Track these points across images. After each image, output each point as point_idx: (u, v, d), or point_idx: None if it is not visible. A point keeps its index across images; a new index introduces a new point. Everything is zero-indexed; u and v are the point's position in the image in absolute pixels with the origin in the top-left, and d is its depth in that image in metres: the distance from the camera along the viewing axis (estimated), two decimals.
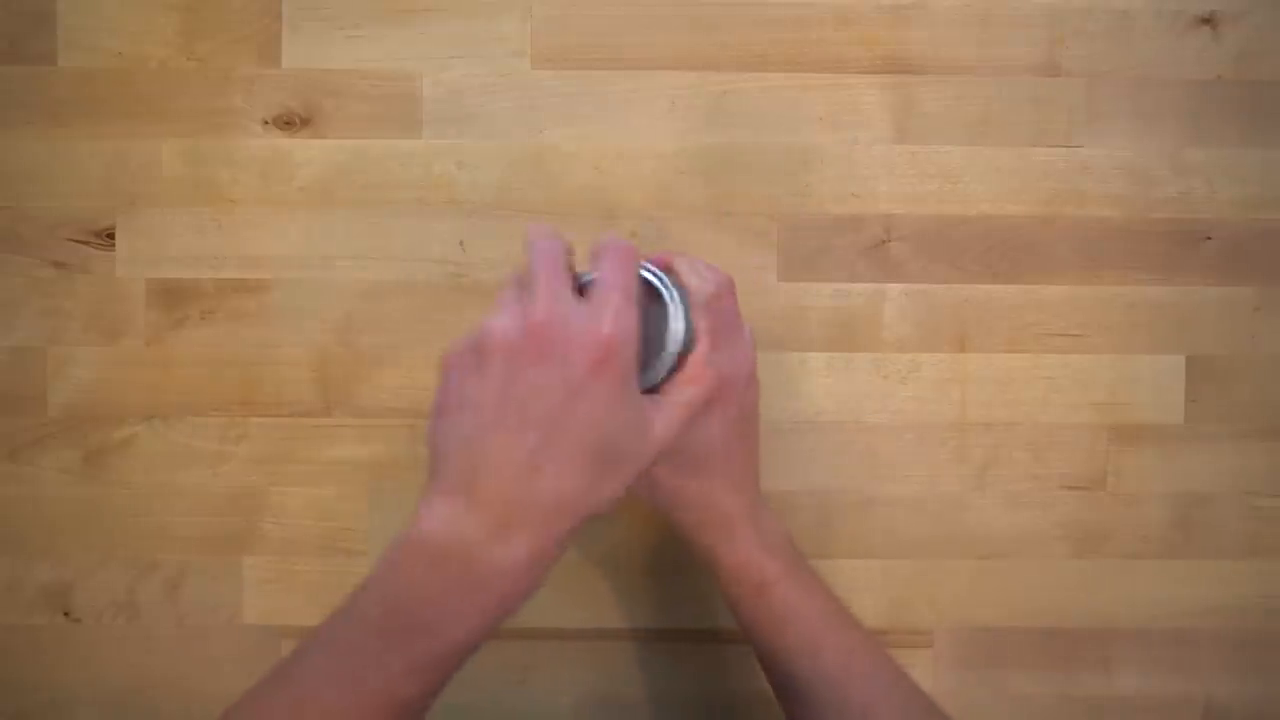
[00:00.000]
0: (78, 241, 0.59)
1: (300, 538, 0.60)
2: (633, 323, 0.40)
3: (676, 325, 0.46)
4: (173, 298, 0.59)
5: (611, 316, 0.39)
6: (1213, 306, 0.60)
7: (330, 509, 0.60)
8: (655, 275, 0.47)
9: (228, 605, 0.60)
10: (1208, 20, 0.60)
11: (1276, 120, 0.60)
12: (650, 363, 0.45)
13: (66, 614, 0.60)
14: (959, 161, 0.60)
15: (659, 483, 0.49)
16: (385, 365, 0.60)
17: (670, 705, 0.61)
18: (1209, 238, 0.60)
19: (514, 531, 0.38)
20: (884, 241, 0.60)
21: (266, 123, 0.59)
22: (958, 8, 0.60)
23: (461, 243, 0.60)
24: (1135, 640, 0.61)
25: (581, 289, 0.43)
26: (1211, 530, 0.61)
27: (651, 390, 0.46)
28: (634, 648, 0.61)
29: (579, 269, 0.46)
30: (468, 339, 0.40)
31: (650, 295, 0.47)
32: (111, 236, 0.59)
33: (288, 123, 0.59)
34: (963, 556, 0.61)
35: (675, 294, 0.47)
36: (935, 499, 0.61)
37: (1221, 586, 0.61)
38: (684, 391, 0.44)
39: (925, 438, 0.60)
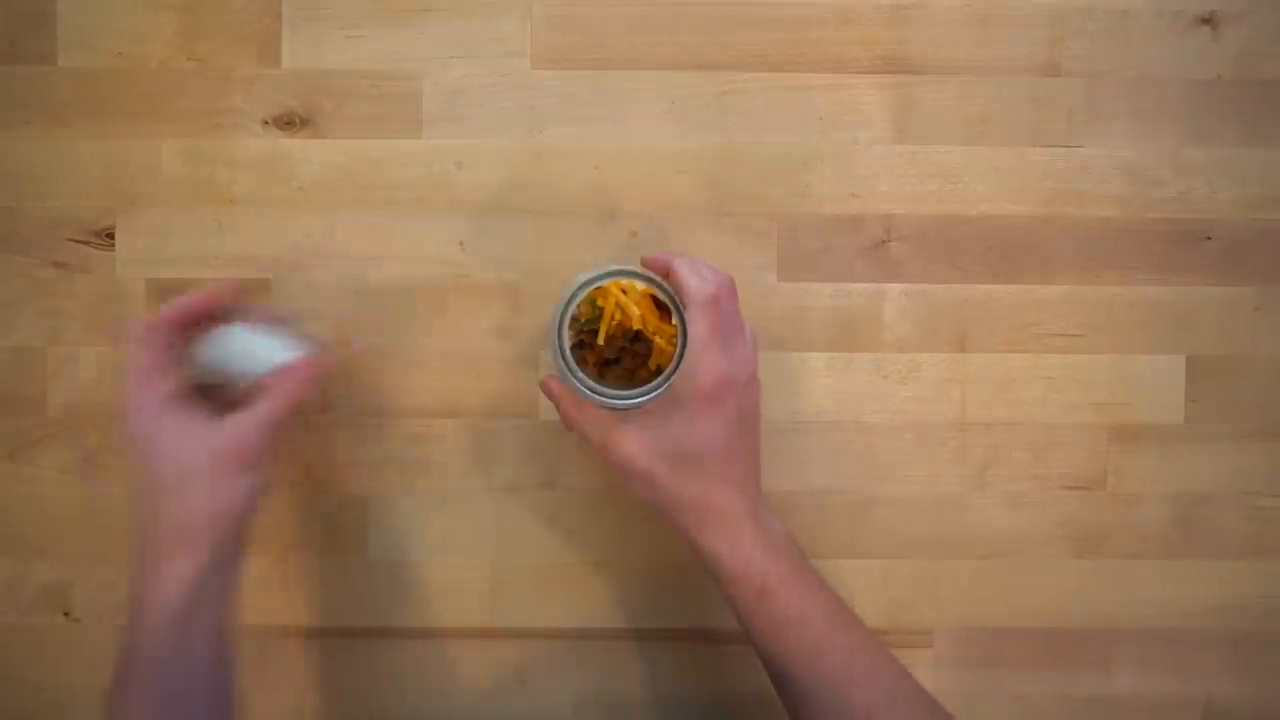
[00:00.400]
0: (78, 241, 0.59)
1: (300, 538, 0.60)
2: (136, 392, 0.50)
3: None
4: (173, 298, 0.59)
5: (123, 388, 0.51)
6: (1213, 306, 0.60)
7: (330, 509, 0.60)
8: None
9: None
10: (1208, 20, 0.60)
11: (1277, 120, 0.60)
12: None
13: (66, 614, 0.60)
14: (959, 161, 0.60)
15: (658, 483, 0.49)
16: (385, 365, 0.60)
17: (670, 705, 0.61)
18: (1209, 238, 0.60)
19: (149, 553, 0.49)
20: (884, 241, 0.60)
21: (266, 123, 0.59)
22: (958, 8, 0.60)
23: (461, 243, 0.60)
24: (1135, 640, 0.61)
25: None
26: (1211, 530, 0.61)
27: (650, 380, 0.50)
28: (634, 648, 0.61)
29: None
30: None
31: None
32: (111, 236, 0.59)
33: (288, 123, 0.59)
34: (963, 556, 0.61)
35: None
36: (935, 499, 0.61)
37: (1221, 586, 0.61)
38: (270, 400, 0.51)
39: (925, 438, 0.60)
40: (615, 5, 0.60)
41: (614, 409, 0.50)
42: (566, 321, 0.50)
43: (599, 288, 0.51)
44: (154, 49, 0.59)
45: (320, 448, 0.60)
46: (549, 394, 0.53)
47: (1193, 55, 0.60)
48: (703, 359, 0.48)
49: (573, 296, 0.50)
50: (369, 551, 0.60)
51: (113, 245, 0.59)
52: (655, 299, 0.53)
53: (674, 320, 0.50)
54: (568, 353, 0.50)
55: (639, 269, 0.51)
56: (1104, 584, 0.61)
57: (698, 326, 0.49)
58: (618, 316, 0.52)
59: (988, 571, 0.61)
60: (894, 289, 0.60)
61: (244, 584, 0.60)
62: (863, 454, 0.60)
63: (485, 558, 0.60)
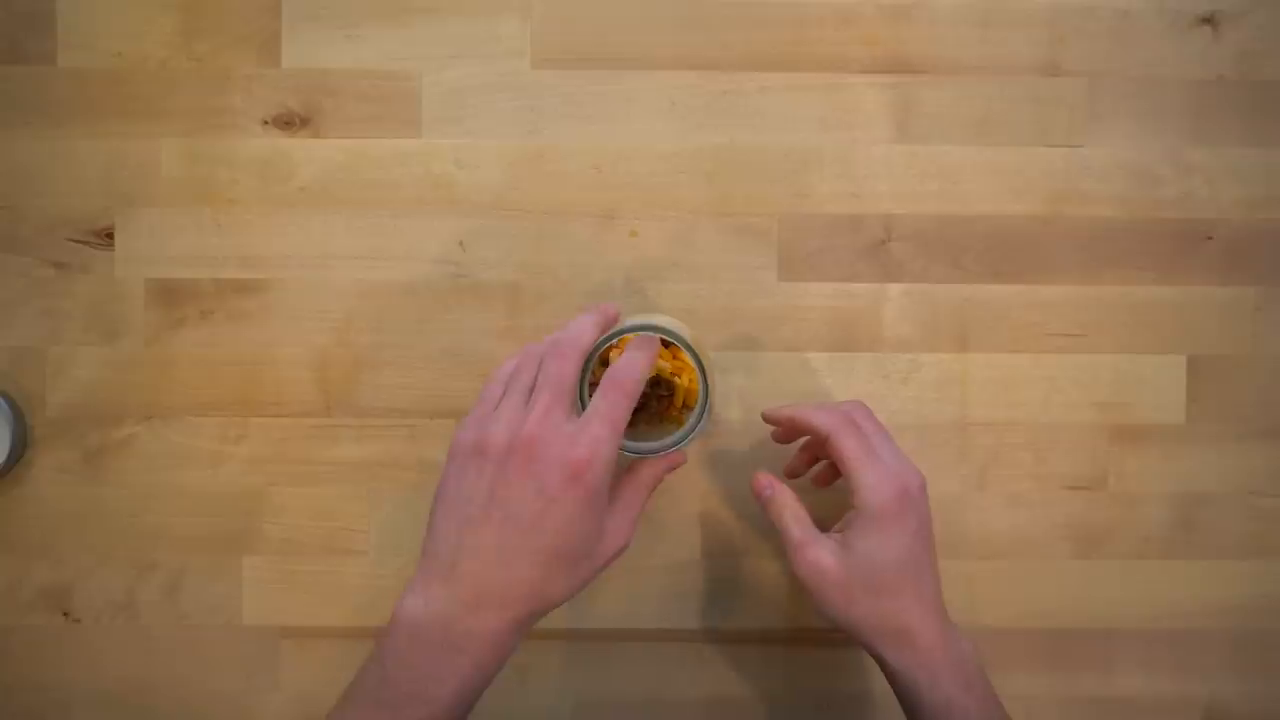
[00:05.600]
0: (77, 241, 0.59)
1: (300, 538, 0.60)
2: (606, 450, 0.45)
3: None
4: (172, 297, 0.59)
5: (589, 444, 0.45)
6: (1214, 306, 0.60)
7: (330, 509, 0.60)
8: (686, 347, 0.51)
9: (227, 605, 0.60)
10: (1209, 20, 0.60)
11: (1278, 120, 0.60)
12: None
13: (66, 614, 0.60)
14: (959, 161, 0.60)
15: (855, 601, 0.49)
16: (385, 365, 0.60)
17: (670, 705, 0.60)
18: (1210, 237, 0.60)
19: (484, 609, 0.44)
20: (884, 241, 0.60)
21: (266, 122, 0.59)
22: (958, 7, 0.60)
23: (461, 243, 0.60)
24: (1137, 640, 0.61)
25: (605, 360, 0.51)
26: (1213, 530, 0.60)
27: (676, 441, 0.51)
28: (634, 648, 0.61)
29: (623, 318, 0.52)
30: (473, 433, 0.46)
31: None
32: (111, 236, 0.59)
33: (287, 122, 0.59)
34: (963, 557, 0.60)
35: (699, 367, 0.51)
36: (936, 499, 0.60)
37: (1223, 586, 0.61)
38: (635, 496, 0.49)
39: (926, 438, 0.60)
40: (615, 5, 0.60)
41: (657, 454, 0.51)
42: (586, 388, 0.50)
43: (610, 347, 0.52)
44: (153, 49, 0.59)
45: (321, 447, 0.60)
46: (765, 498, 0.53)
47: (1194, 55, 0.60)
48: (869, 473, 0.49)
49: (586, 367, 0.49)
50: (369, 551, 0.60)
51: (112, 245, 0.59)
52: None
53: (686, 355, 0.51)
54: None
55: (641, 323, 0.51)
56: (1105, 584, 0.60)
57: (846, 446, 0.50)
58: None
59: (989, 572, 0.60)
60: (894, 289, 0.60)
61: (243, 584, 0.60)
62: None
63: None
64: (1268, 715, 0.61)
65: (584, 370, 0.49)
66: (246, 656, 0.60)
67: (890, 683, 0.50)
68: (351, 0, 0.59)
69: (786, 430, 0.56)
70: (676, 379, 0.54)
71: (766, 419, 0.55)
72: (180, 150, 0.59)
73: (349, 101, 0.59)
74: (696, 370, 0.51)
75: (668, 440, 0.51)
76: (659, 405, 0.54)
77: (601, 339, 0.51)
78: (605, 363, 0.53)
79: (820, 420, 0.51)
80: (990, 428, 0.60)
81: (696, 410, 0.51)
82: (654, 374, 0.53)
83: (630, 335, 0.52)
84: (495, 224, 0.60)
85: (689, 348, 0.50)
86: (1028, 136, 0.60)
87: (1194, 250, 0.60)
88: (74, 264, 0.59)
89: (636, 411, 0.52)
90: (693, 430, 0.51)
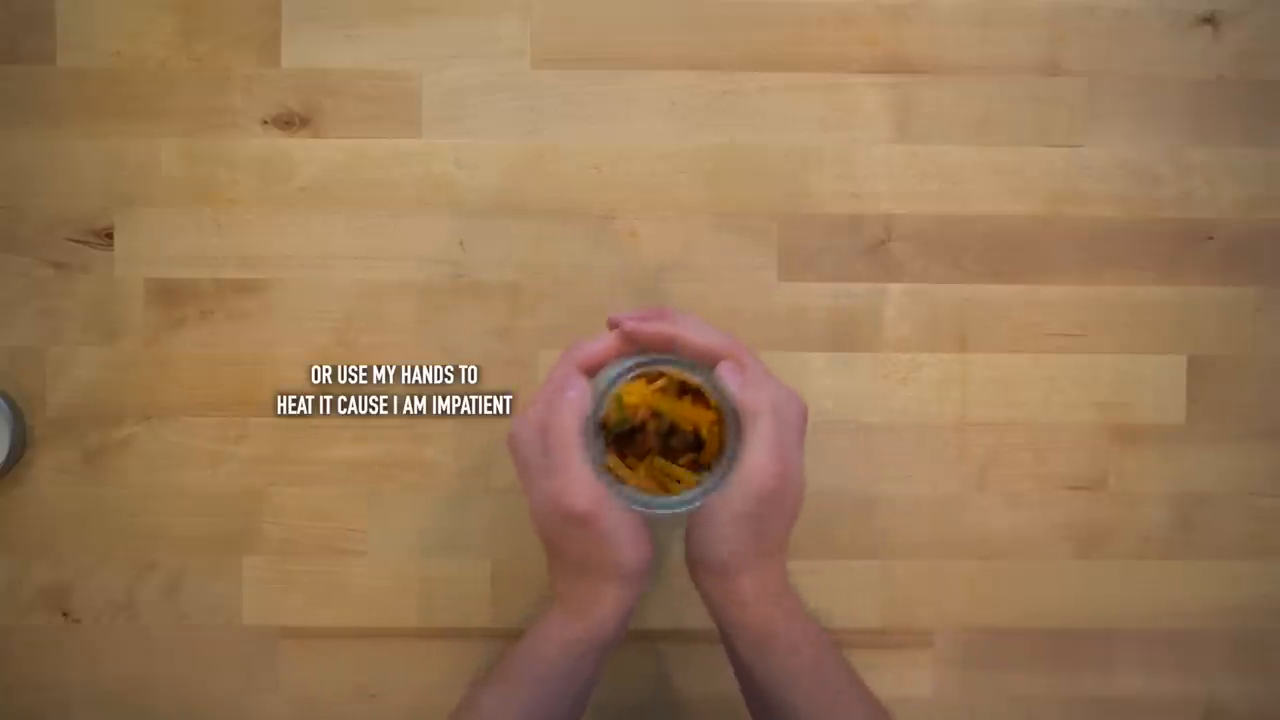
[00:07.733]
0: (76, 241, 0.59)
1: (299, 538, 0.60)
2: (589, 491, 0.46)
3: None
4: (172, 297, 0.59)
5: (570, 486, 0.46)
6: (1214, 306, 0.60)
7: (330, 509, 0.60)
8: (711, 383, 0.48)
9: (227, 605, 0.60)
10: (1209, 20, 0.60)
11: (1278, 120, 0.60)
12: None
13: (65, 614, 0.60)
14: (959, 161, 0.60)
15: (697, 569, 0.49)
16: (385, 365, 0.59)
17: (670, 705, 0.60)
18: (1210, 237, 0.60)
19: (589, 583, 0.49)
20: (884, 241, 0.60)
21: (265, 122, 0.59)
22: (958, 7, 0.60)
23: (461, 242, 0.60)
24: (1136, 640, 0.61)
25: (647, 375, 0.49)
26: (1213, 530, 0.61)
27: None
28: (634, 648, 0.61)
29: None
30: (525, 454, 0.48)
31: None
32: (110, 236, 0.59)
33: (287, 122, 0.59)
34: (963, 557, 0.60)
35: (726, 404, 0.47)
36: (936, 499, 0.60)
37: (1223, 587, 0.61)
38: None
39: (926, 438, 0.60)
40: (615, 5, 0.60)
41: (672, 515, 0.47)
42: (595, 432, 0.47)
43: (624, 386, 0.48)
44: (153, 49, 0.59)
45: (321, 447, 0.60)
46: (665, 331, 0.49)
47: (1194, 55, 0.60)
48: (759, 453, 0.46)
49: (596, 408, 0.47)
50: (368, 551, 0.60)
51: (112, 245, 0.59)
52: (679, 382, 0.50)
53: (713, 405, 0.48)
54: (604, 460, 0.48)
55: (665, 358, 0.48)
56: (1105, 584, 0.61)
57: (742, 399, 0.47)
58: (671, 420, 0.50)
59: (988, 572, 0.60)
60: (894, 289, 0.60)
61: (243, 584, 0.60)
62: (863, 454, 0.60)
63: (485, 558, 0.60)
64: (1268, 715, 0.61)
65: (593, 435, 0.47)
66: (246, 656, 0.60)
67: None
68: (351, 0, 0.59)
69: (651, 345, 0.48)
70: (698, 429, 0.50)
71: (628, 331, 0.48)
72: (180, 150, 0.59)
73: (349, 101, 0.59)
74: (726, 420, 0.47)
75: (686, 495, 0.47)
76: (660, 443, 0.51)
77: (607, 382, 0.48)
78: (620, 427, 0.50)
79: (711, 343, 0.47)
80: (990, 428, 0.60)
81: (721, 465, 0.46)
82: (670, 424, 0.50)
83: (644, 372, 0.48)
84: (495, 224, 0.60)
85: (722, 394, 0.46)
86: (1028, 136, 0.60)
87: (1194, 250, 0.60)
88: (74, 264, 0.59)
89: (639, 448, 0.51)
90: (714, 488, 0.46)
